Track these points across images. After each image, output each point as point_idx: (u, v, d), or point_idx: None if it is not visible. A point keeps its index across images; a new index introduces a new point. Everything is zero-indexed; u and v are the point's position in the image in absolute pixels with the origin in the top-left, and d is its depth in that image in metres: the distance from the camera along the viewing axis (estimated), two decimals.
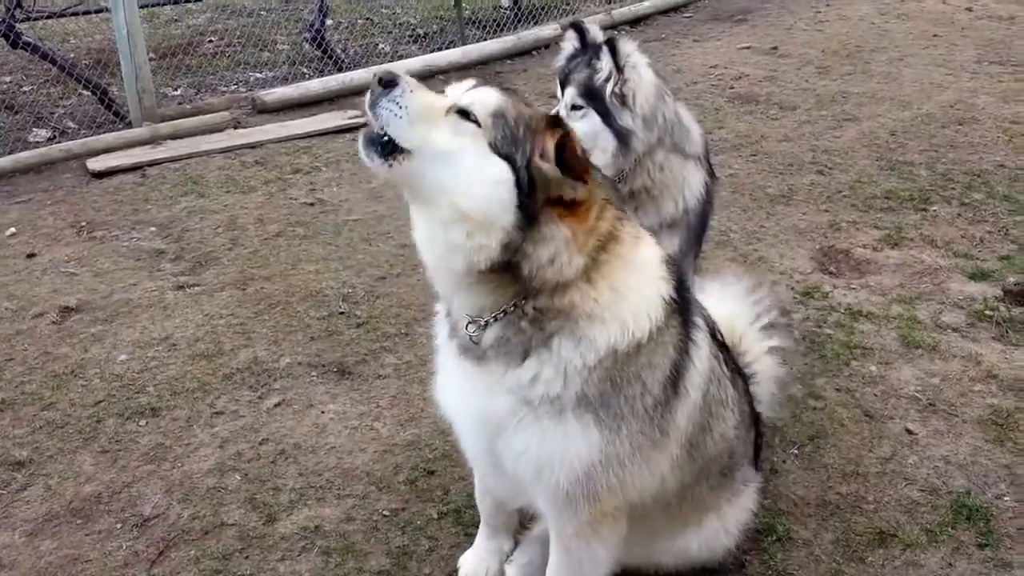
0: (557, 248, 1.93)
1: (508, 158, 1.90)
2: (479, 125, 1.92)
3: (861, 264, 4.42)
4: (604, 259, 2.00)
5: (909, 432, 3.30)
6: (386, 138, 1.92)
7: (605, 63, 3.07)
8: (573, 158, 1.92)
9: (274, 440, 3.31)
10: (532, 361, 2.03)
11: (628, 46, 3.11)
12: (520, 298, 1.99)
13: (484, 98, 1.97)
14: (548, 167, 1.91)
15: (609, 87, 3.06)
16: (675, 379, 2.15)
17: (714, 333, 2.44)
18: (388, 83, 1.92)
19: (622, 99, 3.07)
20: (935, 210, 4.88)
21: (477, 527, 2.76)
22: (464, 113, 1.94)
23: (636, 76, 3.09)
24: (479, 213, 1.88)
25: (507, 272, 1.95)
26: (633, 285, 2.04)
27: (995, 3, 8.95)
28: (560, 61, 3.31)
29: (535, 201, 1.90)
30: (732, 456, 2.52)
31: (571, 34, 3.30)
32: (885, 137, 5.84)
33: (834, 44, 7.78)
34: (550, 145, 1.92)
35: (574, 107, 3.14)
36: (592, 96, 3.11)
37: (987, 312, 3.97)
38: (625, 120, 3.07)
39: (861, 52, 7.55)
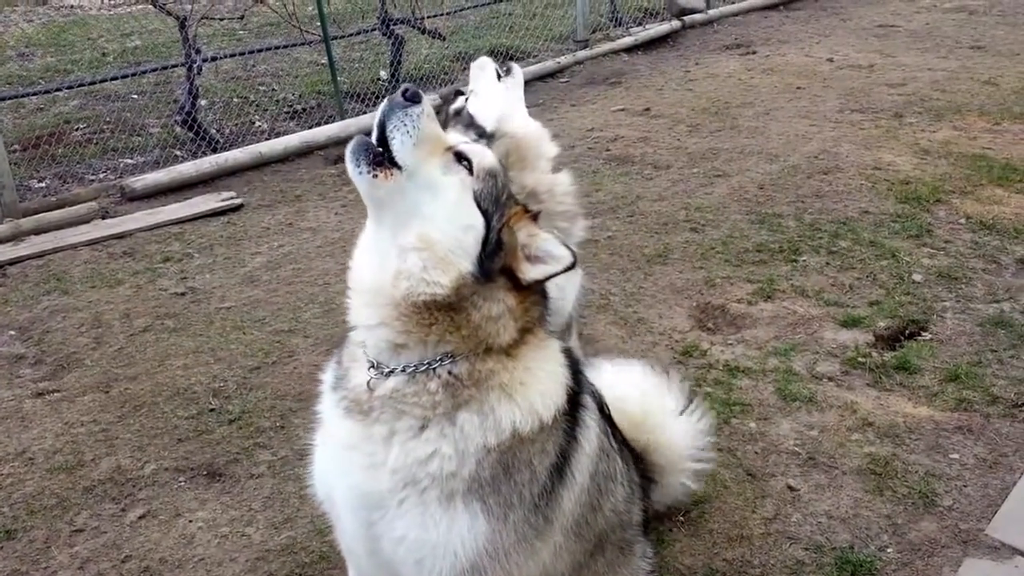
0: (502, 310, 1.97)
1: (486, 214, 1.95)
2: (471, 173, 1.97)
3: (737, 319, 4.47)
4: (525, 340, 2.05)
5: (791, 489, 3.31)
6: (379, 150, 1.93)
7: None
8: (537, 248, 2.02)
9: (138, 556, 3.11)
10: (431, 433, 1.95)
11: None
12: (438, 358, 1.96)
13: (483, 154, 2.05)
14: (516, 239, 1.99)
15: None
16: (561, 465, 2.11)
17: (601, 407, 2.42)
18: (412, 98, 1.95)
19: None
20: (805, 260, 5.00)
21: None
22: (461, 156, 1.99)
23: None
24: (443, 249, 1.91)
25: (445, 314, 1.93)
26: (545, 368, 2.08)
27: (855, 52, 9.37)
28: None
29: (495, 263, 1.95)
30: (625, 529, 2.47)
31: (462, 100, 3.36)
32: (754, 191, 5.98)
33: (703, 102, 7.99)
34: (524, 225, 2.02)
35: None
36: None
37: (860, 359, 4.05)
38: None
39: (729, 108, 7.76)
